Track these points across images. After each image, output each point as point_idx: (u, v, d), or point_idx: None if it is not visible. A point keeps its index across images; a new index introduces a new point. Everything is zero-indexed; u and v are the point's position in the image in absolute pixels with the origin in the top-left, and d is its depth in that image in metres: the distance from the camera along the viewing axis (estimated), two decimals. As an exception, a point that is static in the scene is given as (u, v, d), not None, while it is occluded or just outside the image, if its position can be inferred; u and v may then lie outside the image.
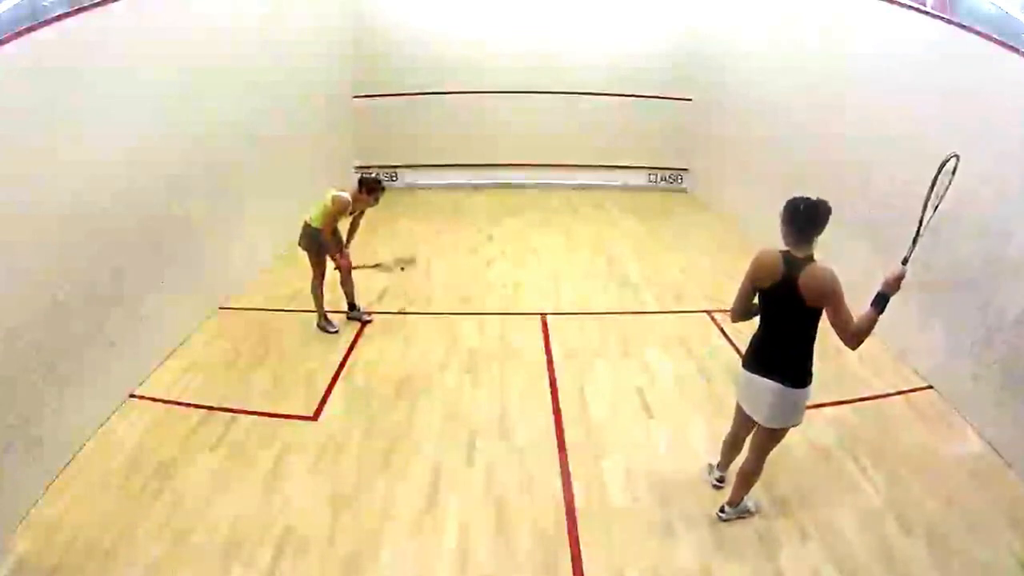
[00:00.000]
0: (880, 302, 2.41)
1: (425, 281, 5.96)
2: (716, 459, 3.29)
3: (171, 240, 4.60)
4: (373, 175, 5.09)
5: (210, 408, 3.97)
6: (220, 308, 5.31)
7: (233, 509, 3.14)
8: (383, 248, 5.41)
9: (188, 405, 4.00)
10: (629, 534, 3.00)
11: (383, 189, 4.88)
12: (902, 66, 4.67)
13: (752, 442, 2.92)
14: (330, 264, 4.92)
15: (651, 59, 8.97)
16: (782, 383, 2.62)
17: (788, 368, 2.62)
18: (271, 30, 6.18)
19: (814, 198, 2.49)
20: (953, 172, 2.46)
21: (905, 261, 2.47)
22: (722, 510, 3.05)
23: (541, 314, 5.30)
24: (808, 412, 2.77)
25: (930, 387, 4.15)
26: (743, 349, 2.87)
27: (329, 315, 5.04)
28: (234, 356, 4.62)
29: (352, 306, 5.18)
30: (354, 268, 5.04)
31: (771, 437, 2.81)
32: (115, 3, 3.87)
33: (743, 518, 3.05)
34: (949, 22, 4.30)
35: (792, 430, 2.80)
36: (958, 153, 2.46)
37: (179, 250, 4.71)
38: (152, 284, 4.34)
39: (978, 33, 3.97)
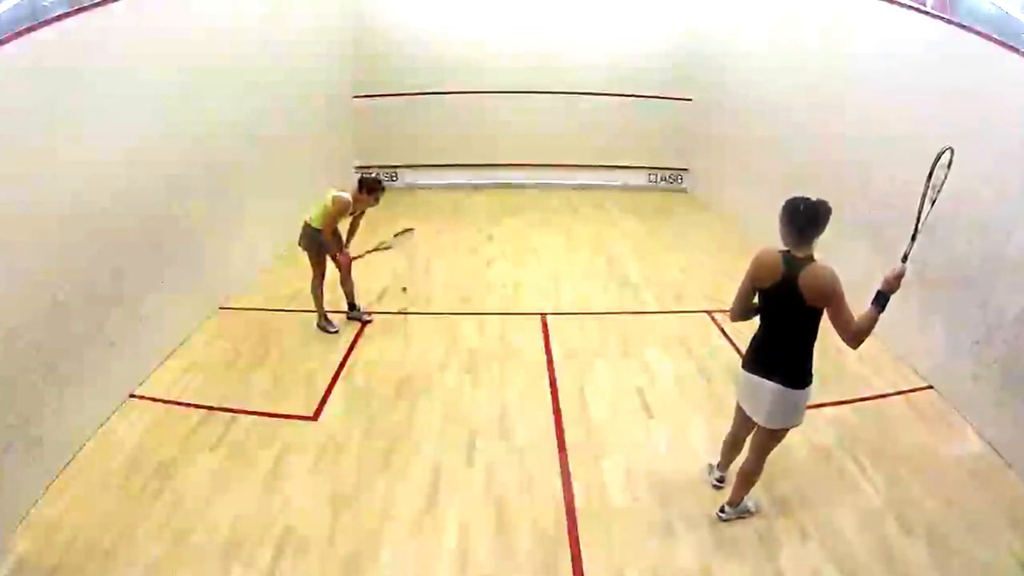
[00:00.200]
0: (881, 301, 2.41)
1: (425, 281, 5.96)
2: (716, 459, 3.29)
3: (171, 240, 4.60)
4: (373, 175, 5.09)
5: (210, 408, 3.97)
6: (220, 308, 5.32)
7: (233, 509, 3.14)
8: (379, 241, 5.41)
9: (188, 405, 4.00)
10: (629, 534, 3.00)
11: (383, 189, 4.88)
12: (902, 66, 4.67)
13: (752, 442, 2.92)
14: (330, 264, 4.92)
15: (651, 59, 8.97)
16: (782, 384, 2.62)
17: (788, 368, 2.62)
18: (271, 30, 6.19)
19: (814, 198, 2.49)
20: (949, 165, 2.45)
21: (905, 258, 2.47)
22: (722, 510, 3.05)
23: (541, 314, 5.30)
24: (808, 412, 2.77)
25: (930, 387, 4.15)
26: (743, 349, 2.86)
27: (329, 315, 5.04)
28: (234, 356, 4.62)
29: (352, 306, 5.18)
30: (355, 258, 5.02)
31: (771, 437, 2.81)
32: (115, 3, 3.87)
33: (743, 518, 3.05)
34: (949, 22, 4.29)
35: (792, 430, 2.80)
36: (952, 147, 2.45)
37: (179, 250, 4.71)
38: (152, 284, 4.34)
39: (978, 33, 3.97)
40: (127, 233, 4.08)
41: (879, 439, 3.67)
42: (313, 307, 5.01)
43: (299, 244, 4.84)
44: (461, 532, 3.02)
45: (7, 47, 3.13)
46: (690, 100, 8.99)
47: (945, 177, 2.46)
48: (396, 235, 5.33)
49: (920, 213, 2.49)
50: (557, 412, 3.96)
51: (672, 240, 7.33)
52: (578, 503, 3.20)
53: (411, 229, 5.46)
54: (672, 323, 5.17)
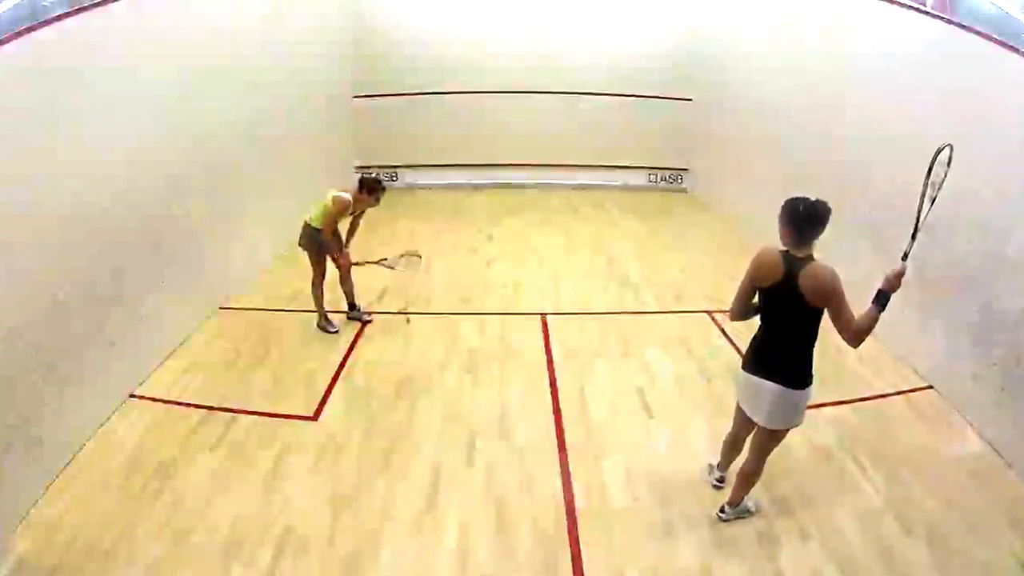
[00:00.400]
0: (881, 300, 2.40)
1: (425, 281, 5.96)
2: (716, 459, 3.29)
3: (171, 240, 4.60)
4: (373, 175, 5.09)
5: (210, 408, 3.97)
6: (220, 308, 5.32)
7: (233, 509, 3.14)
8: (383, 248, 5.40)
9: (188, 405, 4.00)
10: (629, 534, 3.00)
11: (384, 189, 4.88)
12: (902, 66, 4.67)
13: (752, 443, 2.92)
14: (330, 264, 4.92)
15: (651, 59, 8.98)
16: (782, 384, 2.62)
17: (788, 369, 2.62)
18: (271, 30, 6.19)
19: (813, 198, 2.49)
20: (948, 163, 2.44)
21: (905, 256, 2.46)
22: (722, 510, 3.05)
23: (541, 314, 5.30)
24: (808, 412, 2.76)
25: (930, 387, 4.15)
26: (744, 349, 2.86)
27: (329, 315, 5.04)
28: (234, 356, 4.62)
29: (352, 306, 5.18)
30: (356, 264, 5.02)
31: (771, 438, 2.81)
32: (115, 3, 3.87)
33: (743, 518, 3.05)
34: (949, 22, 4.29)
35: (792, 430, 2.80)
36: (952, 144, 2.43)
37: (179, 250, 4.71)
38: (152, 284, 4.34)
39: (978, 33, 3.97)
40: (127, 233, 4.08)
41: (879, 439, 3.67)
42: (313, 307, 5.01)
43: (299, 244, 4.84)
44: (461, 532, 3.02)
45: (7, 47, 3.13)
46: (690, 100, 9.00)
47: (945, 175, 2.45)
48: (402, 256, 5.30)
49: (920, 211, 2.48)
50: (557, 412, 3.96)
51: (672, 240, 7.33)
52: (578, 503, 3.20)
53: (418, 255, 5.42)
54: (672, 323, 5.17)
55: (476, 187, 9.33)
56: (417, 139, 9.14)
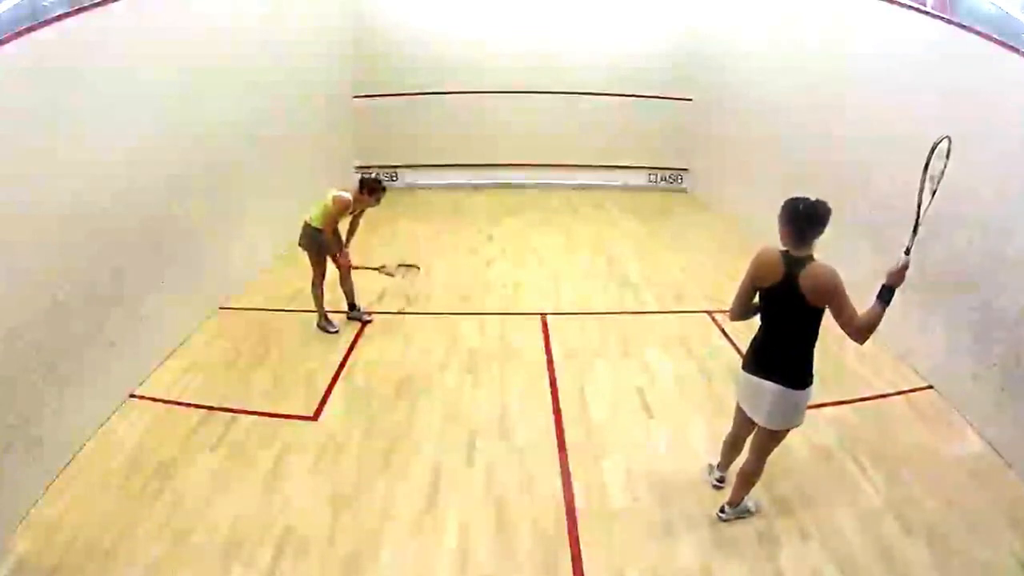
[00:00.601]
0: (885, 294, 2.39)
1: (425, 281, 5.96)
2: (716, 459, 3.29)
3: (171, 240, 4.60)
4: (373, 175, 5.09)
5: (210, 408, 3.97)
6: (220, 308, 5.31)
7: (233, 509, 3.14)
8: (383, 248, 5.41)
9: (188, 405, 4.00)
10: (629, 534, 3.00)
11: (384, 190, 4.88)
12: (902, 66, 4.67)
13: (752, 443, 2.92)
14: (330, 264, 4.92)
15: (651, 59, 8.98)
16: (782, 384, 2.62)
17: (788, 369, 2.62)
18: (271, 30, 6.19)
19: (813, 198, 2.48)
20: (947, 154, 2.42)
21: (907, 251, 2.45)
22: (722, 510, 3.05)
23: (541, 314, 5.30)
24: (808, 412, 2.76)
25: (930, 387, 4.15)
26: (744, 349, 2.86)
27: (329, 315, 5.04)
28: (234, 356, 4.62)
29: (352, 306, 5.18)
30: (355, 268, 5.03)
31: (772, 438, 2.81)
32: (115, 3, 3.87)
33: (743, 518, 3.05)
34: (949, 22, 4.29)
35: (792, 430, 2.80)
36: (949, 135, 2.42)
37: (179, 250, 4.71)
38: (152, 284, 4.34)
39: (978, 33, 3.97)
40: (127, 233, 4.08)
41: (879, 439, 3.67)
42: (313, 307, 5.01)
43: (299, 244, 4.84)
44: (461, 532, 3.02)
45: (7, 47, 3.13)
46: (690, 100, 9.00)
47: (944, 167, 2.43)
48: (400, 266, 5.31)
49: (920, 204, 2.47)
50: (557, 412, 3.96)
51: (672, 240, 7.33)
52: (578, 503, 3.20)
53: (417, 267, 5.45)
54: (672, 323, 5.17)
55: (476, 187, 9.33)
56: (417, 139, 9.14)
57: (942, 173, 2.43)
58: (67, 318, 3.51)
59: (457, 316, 5.27)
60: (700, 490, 3.27)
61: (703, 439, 3.66)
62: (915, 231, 2.48)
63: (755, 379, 2.71)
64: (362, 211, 4.99)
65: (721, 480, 3.25)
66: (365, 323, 5.13)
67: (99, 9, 3.78)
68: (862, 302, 2.43)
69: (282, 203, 6.04)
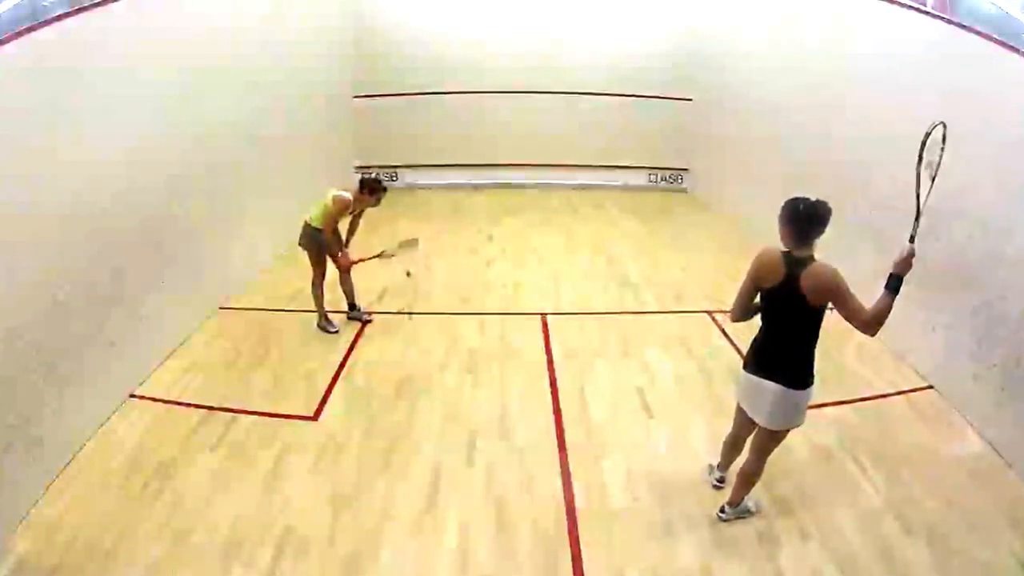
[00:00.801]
0: (893, 283, 2.37)
1: (425, 281, 5.96)
2: (716, 459, 3.29)
3: (171, 240, 4.60)
4: (373, 175, 5.09)
5: (210, 408, 3.97)
6: (220, 308, 5.32)
7: (233, 509, 3.14)
8: (383, 248, 5.38)
9: (188, 405, 4.00)
10: (629, 534, 3.00)
11: (385, 190, 4.88)
12: (902, 66, 4.67)
13: (753, 443, 2.91)
14: (330, 264, 4.92)
15: (651, 59, 8.98)
16: (783, 384, 2.62)
17: (789, 369, 2.62)
18: (271, 30, 6.18)
19: (813, 198, 2.48)
20: (943, 140, 2.41)
21: (912, 239, 2.43)
22: (722, 510, 3.05)
23: (541, 314, 5.30)
24: (809, 412, 2.76)
25: (930, 387, 4.15)
26: (743, 349, 2.86)
27: (329, 315, 5.04)
28: (234, 356, 4.62)
29: (352, 306, 5.18)
30: (357, 263, 5.01)
31: (772, 438, 2.81)
32: (115, 3, 3.87)
33: (743, 518, 3.05)
34: (949, 22, 4.30)
35: (793, 430, 2.80)
36: (944, 122, 2.40)
37: (179, 250, 4.71)
38: (152, 284, 4.34)
39: (978, 33, 3.97)
40: (127, 233, 4.08)
41: (879, 439, 3.66)
42: (313, 307, 5.00)
43: (299, 244, 4.84)
44: (461, 532, 3.02)
45: (7, 47, 3.13)
46: (690, 100, 8.99)
47: (942, 153, 2.42)
48: (400, 244, 5.21)
49: (919, 192, 2.45)
50: (557, 412, 3.96)
51: (672, 240, 7.32)
52: (578, 503, 3.19)
53: (415, 240, 5.39)
54: (672, 323, 5.17)
55: (476, 187, 9.32)
56: (417, 139, 9.14)
57: (940, 159, 2.42)
58: (67, 318, 3.51)
59: (457, 316, 5.27)
60: (700, 490, 3.26)
61: (703, 439, 3.66)
62: (917, 219, 2.46)
63: (756, 379, 2.70)
64: (362, 211, 4.99)
65: (721, 480, 3.25)
66: (365, 323, 5.13)
67: (99, 9, 3.78)
68: (863, 302, 2.42)
69: (282, 203, 6.05)
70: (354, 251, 5.07)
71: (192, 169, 4.82)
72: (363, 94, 8.98)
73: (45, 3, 3.58)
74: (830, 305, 2.49)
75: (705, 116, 8.72)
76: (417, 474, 3.41)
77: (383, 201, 4.93)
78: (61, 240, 3.48)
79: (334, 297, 5.16)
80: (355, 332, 4.99)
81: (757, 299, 2.69)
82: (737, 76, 7.76)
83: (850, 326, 2.45)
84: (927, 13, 4.53)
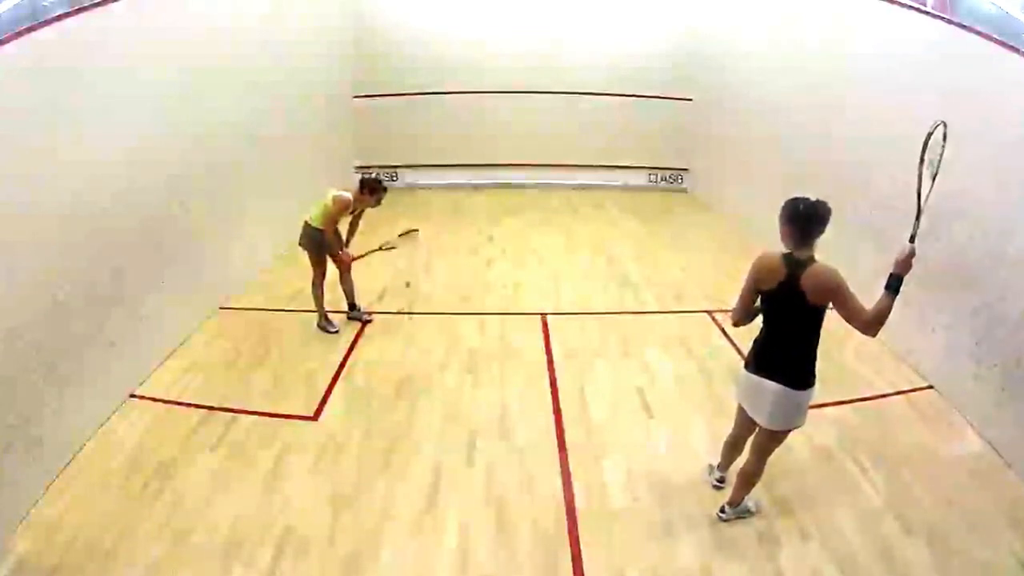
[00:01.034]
0: (893, 283, 2.37)
1: (426, 281, 5.96)
2: (716, 459, 3.29)
3: (171, 240, 4.60)
4: (373, 175, 5.09)
5: (210, 408, 3.97)
6: (220, 308, 5.31)
7: (233, 509, 3.14)
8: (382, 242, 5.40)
9: (188, 405, 4.00)
10: (629, 534, 3.00)
11: (385, 190, 4.88)
12: (902, 66, 4.67)
13: (753, 443, 2.91)
14: (331, 264, 4.92)
15: (651, 59, 8.98)
16: (784, 384, 2.62)
17: (790, 369, 2.62)
18: (271, 30, 6.19)
19: (813, 198, 2.48)
20: (944, 139, 2.41)
21: (912, 239, 2.43)
22: (722, 510, 3.05)
23: (541, 314, 5.30)
24: (809, 412, 2.75)
25: (930, 387, 4.15)
26: (744, 349, 2.87)
27: (329, 315, 5.04)
28: (234, 356, 4.62)
29: (352, 306, 5.18)
30: (358, 257, 5.00)
31: (772, 439, 2.81)
32: (115, 3, 3.87)
33: (743, 518, 3.05)
34: (949, 22, 4.30)
35: (793, 431, 2.79)
36: (944, 121, 2.41)
37: (179, 250, 4.71)
38: (152, 284, 4.34)
39: (978, 33, 3.97)
40: (127, 233, 4.08)
41: (879, 439, 3.66)
42: (313, 307, 5.00)
43: (299, 244, 4.84)
44: (461, 532, 3.02)
45: (7, 47, 3.13)
46: (690, 100, 9.00)
47: (942, 152, 2.42)
48: (400, 235, 5.27)
49: (920, 191, 2.45)
50: (557, 412, 3.96)
51: (672, 240, 7.32)
52: (578, 503, 3.19)
53: (415, 229, 5.43)
54: (672, 323, 5.17)
55: (476, 187, 9.33)
56: (417, 139, 9.14)
57: (940, 158, 2.42)
58: (67, 318, 3.51)
59: (457, 316, 5.27)
60: (700, 490, 3.26)
61: (703, 439, 3.66)
62: (918, 218, 2.46)
63: (757, 379, 2.70)
64: (362, 211, 5.00)
65: (721, 480, 3.25)
66: (365, 323, 5.13)
67: (99, 9, 3.78)
68: (864, 303, 2.42)
69: (282, 203, 6.05)
70: (354, 251, 5.07)
71: (192, 169, 4.82)
72: (363, 94, 8.99)
73: (45, 3, 3.58)
74: (830, 305, 2.49)
75: (705, 116, 8.72)
76: (417, 474, 3.41)
77: (383, 201, 4.93)
78: (61, 240, 3.48)
79: (334, 297, 5.16)
80: (355, 332, 4.99)
81: (758, 302, 2.69)
82: (737, 76, 7.76)
83: (850, 326, 2.45)
84: (927, 13, 4.53)
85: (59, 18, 3.47)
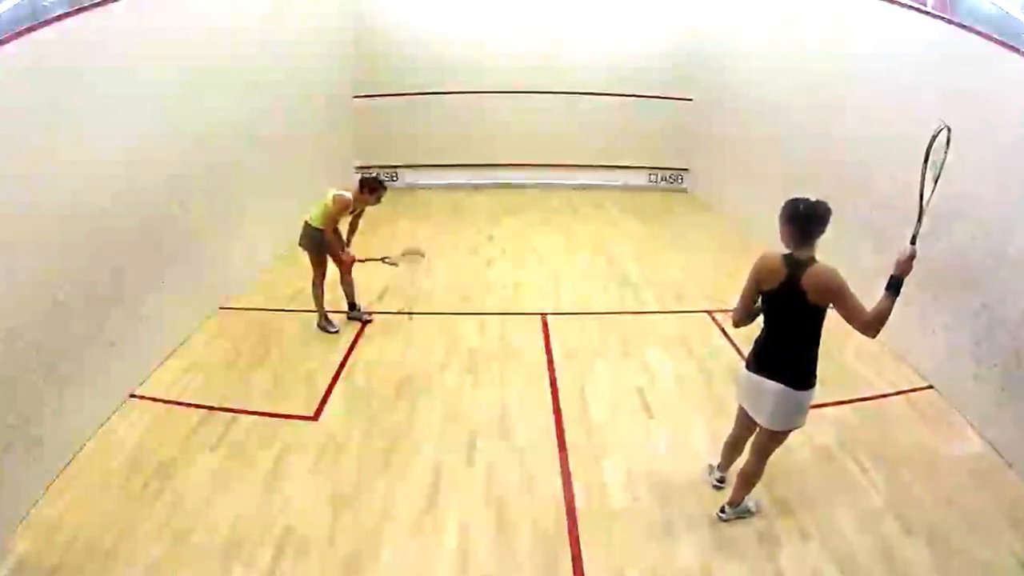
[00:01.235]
0: (894, 284, 2.38)
1: (426, 281, 5.95)
2: (716, 459, 3.29)
3: (171, 240, 4.60)
4: (373, 175, 5.09)
5: (210, 408, 3.97)
6: (220, 308, 5.31)
7: (233, 509, 3.14)
8: (383, 249, 5.39)
9: (188, 405, 4.00)
10: (629, 534, 3.00)
11: (385, 189, 4.87)
12: (902, 66, 4.67)
13: (753, 444, 2.91)
14: (331, 264, 4.92)
15: (651, 59, 8.98)
16: (785, 384, 2.62)
17: (791, 369, 2.62)
18: (271, 30, 6.19)
19: (813, 198, 2.49)
20: (948, 143, 2.41)
21: (913, 240, 2.44)
22: (722, 510, 3.05)
23: (541, 314, 5.30)
24: (810, 412, 2.75)
25: (930, 387, 4.15)
26: (744, 349, 2.87)
27: (329, 315, 5.04)
28: (234, 356, 4.62)
29: (352, 306, 5.18)
30: (360, 261, 5.00)
31: (773, 439, 2.81)
32: (115, 3, 3.87)
33: (743, 518, 3.05)
34: (949, 22, 4.29)
35: (793, 431, 2.79)
36: (949, 126, 2.41)
37: (179, 250, 4.71)
38: (152, 284, 4.34)
39: (978, 33, 3.97)
40: (127, 233, 4.08)
41: (880, 439, 3.66)
42: (313, 307, 5.00)
43: (300, 244, 4.84)
44: (461, 532, 3.02)
45: (7, 47, 3.13)
46: (690, 100, 8.99)
47: (945, 155, 2.43)
48: (404, 254, 5.20)
49: (922, 193, 2.45)
50: (557, 412, 3.96)
51: (672, 240, 7.32)
52: (578, 503, 3.19)
53: (422, 255, 5.33)
54: (672, 323, 5.17)
55: (476, 187, 9.32)
56: (417, 139, 9.14)
57: (943, 162, 2.43)
58: (67, 318, 3.51)
59: (457, 316, 5.27)
60: (700, 490, 3.26)
61: (703, 439, 3.66)
62: (919, 220, 2.46)
63: (757, 378, 2.70)
64: (362, 211, 5.00)
65: (721, 480, 3.25)
66: (365, 323, 5.13)
67: (99, 9, 3.78)
68: (864, 303, 2.42)
69: (282, 203, 6.05)
70: (355, 251, 5.07)
71: (192, 169, 4.82)
72: (363, 94, 8.98)
73: (45, 3, 3.58)
74: (831, 306, 2.49)
75: (705, 116, 8.72)
76: (417, 474, 3.41)
77: (383, 200, 4.93)
78: (61, 240, 3.48)
79: (334, 297, 5.16)
80: (355, 332, 4.99)
81: (759, 302, 2.69)
82: (737, 76, 7.76)
83: (850, 326, 2.45)
84: (927, 13, 4.53)
85: (59, 18, 3.47)
